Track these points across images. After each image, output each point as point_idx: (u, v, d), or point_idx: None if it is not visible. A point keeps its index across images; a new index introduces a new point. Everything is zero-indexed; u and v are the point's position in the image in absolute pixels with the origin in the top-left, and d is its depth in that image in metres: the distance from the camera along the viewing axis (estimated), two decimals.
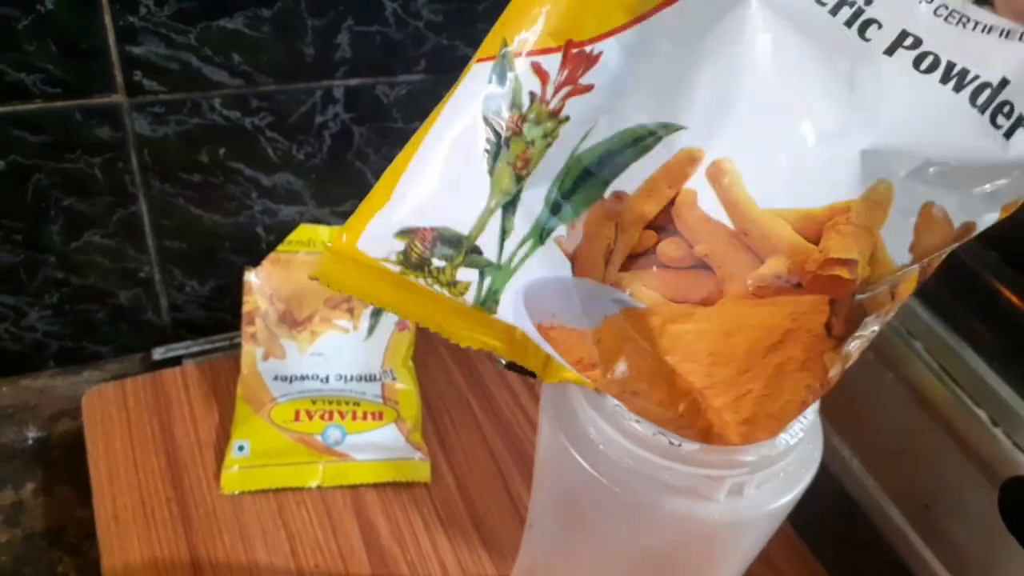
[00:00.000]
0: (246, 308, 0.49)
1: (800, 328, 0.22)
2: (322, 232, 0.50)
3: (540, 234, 0.23)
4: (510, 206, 0.23)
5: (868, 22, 0.23)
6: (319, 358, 0.49)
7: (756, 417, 0.22)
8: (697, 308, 0.22)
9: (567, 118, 0.23)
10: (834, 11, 0.23)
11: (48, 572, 0.43)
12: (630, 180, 0.22)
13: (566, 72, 0.23)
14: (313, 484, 0.45)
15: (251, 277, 0.49)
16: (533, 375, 0.24)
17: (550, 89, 0.23)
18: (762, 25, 0.23)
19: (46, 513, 0.45)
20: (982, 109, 0.22)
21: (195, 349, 0.53)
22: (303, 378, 0.49)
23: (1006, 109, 0.22)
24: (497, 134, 0.23)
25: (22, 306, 0.48)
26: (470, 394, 0.52)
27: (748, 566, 0.29)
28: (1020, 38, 0.23)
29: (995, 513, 0.40)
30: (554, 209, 0.23)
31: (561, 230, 0.23)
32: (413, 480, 0.46)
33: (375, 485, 0.46)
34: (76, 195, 0.46)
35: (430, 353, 0.54)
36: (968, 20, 0.23)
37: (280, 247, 0.49)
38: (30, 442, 0.48)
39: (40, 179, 0.44)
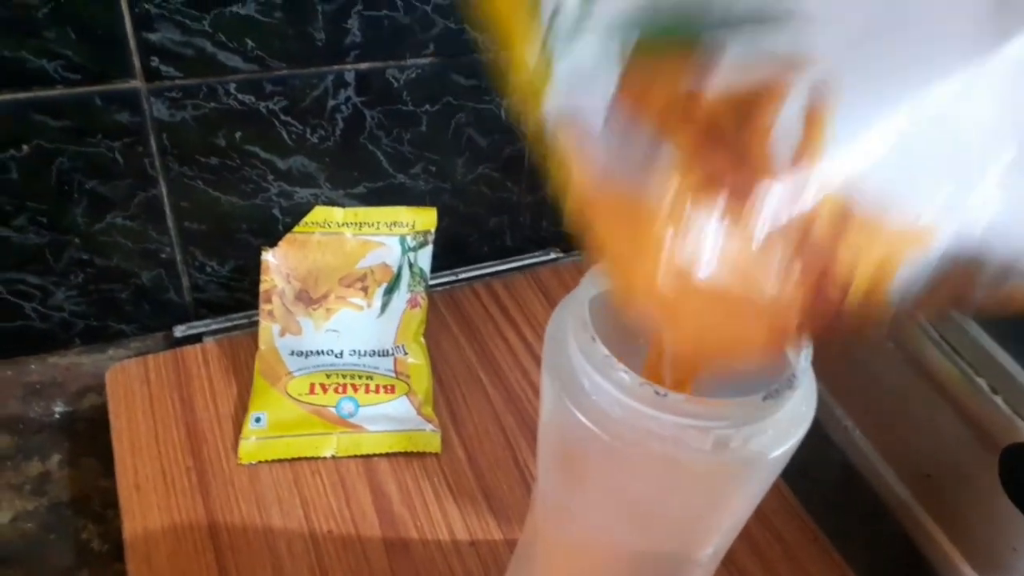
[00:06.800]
0: (264, 287, 0.50)
1: (772, 311, 0.21)
2: (337, 214, 0.51)
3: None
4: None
5: None
6: (334, 334, 0.51)
7: (709, 331, 0.22)
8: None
9: None
10: None
11: (72, 539, 0.45)
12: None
13: None
14: (328, 454, 0.46)
15: (268, 257, 0.50)
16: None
17: None
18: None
19: (71, 483, 0.47)
20: None
21: (215, 327, 0.54)
22: (318, 353, 0.50)
23: None
24: None
25: (48, 286, 0.50)
26: (481, 370, 0.53)
27: (742, 522, 0.30)
28: None
29: (995, 480, 0.40)
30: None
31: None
32: (424, 450, 0.47)
33: (387, 455, 0.47)
34: (98, 178, 0.47)
35: (442, 331, 0.55)
36: None
37: (296, 228, 0.51)
38: (57, 416, 0.50)
39: (63, 163, 0.46)
